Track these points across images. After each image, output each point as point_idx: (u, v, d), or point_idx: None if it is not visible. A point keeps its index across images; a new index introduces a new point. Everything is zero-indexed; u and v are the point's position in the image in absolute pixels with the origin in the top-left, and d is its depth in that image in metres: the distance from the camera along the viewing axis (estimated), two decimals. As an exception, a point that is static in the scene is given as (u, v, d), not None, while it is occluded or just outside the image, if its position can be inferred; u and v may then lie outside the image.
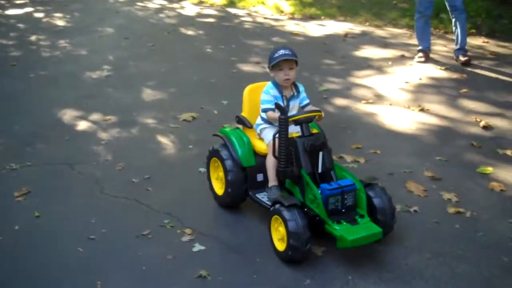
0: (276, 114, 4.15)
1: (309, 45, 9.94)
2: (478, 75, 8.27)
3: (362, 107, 7.08)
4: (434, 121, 6.69)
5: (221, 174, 4.50)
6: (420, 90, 7.73)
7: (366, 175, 4.32)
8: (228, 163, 4.37)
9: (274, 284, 3.87)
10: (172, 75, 8.46)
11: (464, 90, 7.66)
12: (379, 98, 7.44)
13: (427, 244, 4.33)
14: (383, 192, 4.07)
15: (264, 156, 4.33)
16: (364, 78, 8.19)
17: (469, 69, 8.40)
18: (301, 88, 4.51)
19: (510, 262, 4.11)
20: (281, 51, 4.26)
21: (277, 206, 3.92)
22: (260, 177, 4.43)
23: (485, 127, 6.49)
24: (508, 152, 5.88)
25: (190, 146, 6.03)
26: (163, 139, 6.22)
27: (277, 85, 4.36)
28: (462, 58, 8.38)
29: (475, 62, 8.63)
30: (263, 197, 4.35)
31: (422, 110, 6.99)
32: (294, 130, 4.21)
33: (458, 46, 8.49)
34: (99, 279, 3.86)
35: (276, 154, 4.10)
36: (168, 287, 3.83)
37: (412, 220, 4.65)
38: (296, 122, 4.07)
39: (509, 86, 7.85)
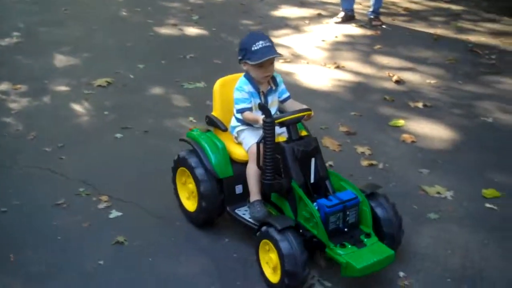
0: (256, 115, 3.56)
1: (227, 6, 9.85)
2: (391, 31, 8.46)
3: (279, 66, 7.09)
4: (349, 77, 6.82)
5: (192, 186, 3.83)
6: (336, 47, 7.84)
7: (366, 182, 3.81)
8: (199, 171, 3.68)
9: (195, 246, 3.87)
10: (86, 40, 8.18)
11: (378, 46, 7.83)
12: (296, 57, 7.49)
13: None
14: (385, 200, 3.50)
15: (243, 164, 3.67)
16: (282, 38, 8.21)
17: (383, 26, 8.56)
18: (279, 79, 3.81)
19: (419, 209, 4.28)
20: (261, 43, 3.52)
21: (265, 228, 3.29)
22: (239, 189, 3.75)
23: (398, 82, 6.68)
24: (419, 104, 6.09)
25: (106, 112, 5.89)
26: (76, 107, 6.04)
27: (251, 80, 3.66)
28: (373, 23, 8.53)
29: (389, 18, 8.83)
30: (244, 213, 3.69)
31: (338, 67, 7.11)
32: (278, 132, 3.56)
33: (371, 9, 8.62)
34: (11, 252, 3.74)
35: (261, 164, 3.43)
36: (84, 256, 3.76)
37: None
38: (283, 124, 3.42)
39: (421, 41, 8.09)
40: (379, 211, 3.40)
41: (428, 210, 4.25)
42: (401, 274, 3.57)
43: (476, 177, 4.70)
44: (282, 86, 3.84)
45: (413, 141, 5.33)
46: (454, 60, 7.38)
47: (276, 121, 3.34)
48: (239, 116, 3.72)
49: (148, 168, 4.79)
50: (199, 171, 3.69)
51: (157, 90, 6.45)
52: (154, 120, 5.69)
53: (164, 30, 8.59)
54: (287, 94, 3.86)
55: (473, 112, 5.99)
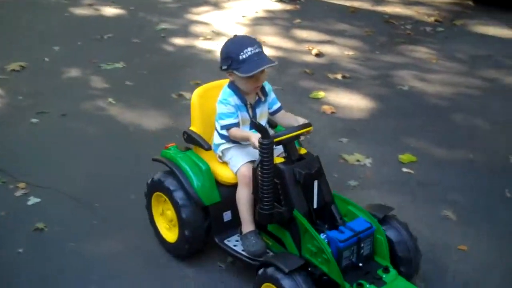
0: (246, 132, 3.11)
1: (144, -16, 9.63)
2: (310, 5, 8.55)
3: (200, 44, 7.05)
4: (270, 52, 6.84)
5: (170, 213, 3.36)
6: (257, 23, 7.86)
7: (373, 203, 3.31)
8: (179, 195, 3.19)
9: (117, 227, 3.82)
10: (-3, 23, 7.82)
11: (298, 20, 7.90)
12: (216, 34, 7.45)
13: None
14: (397, 221, 3.06)
15: (230, 187, 3.19)
16: (202, 15, 8.15)
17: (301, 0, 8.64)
18: (268, 87, 3.29)
19: (340, 177, 4.38)
20: (249, 50, 2.99)
21: (268, 270, 2.78)
22: (227, 216, 3.26)
23: (317, 55, 6.78)
24: (338, 76, 6.21)
25: (20, 97, 5.68)
26: (-11, 92, 5.79)
27: (237, 91, 3.14)
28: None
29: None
30: (235, 244, 3.21)
31: (258, 42, 7.10)
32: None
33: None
34: None
35: (254, 191, 3.00)
36: (2, 245, 3.63)
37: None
38: (279, 143, 2.91)
39: (338, 14, 8.23)
40: (392, 235, 2.95)
41: (348, 177, 4.35)
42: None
43: (393, 144, 4.85)
44: (272, 96, 3.31)
45: (333, 112, 5.43)
46: (371, 32, 7.54)
47: (274, 140, 2.81)
48: (223, 132, 3.21)
49: (66, 153, 4.66)
50: (179, 195, 3.19)
51: (73, 73, 6.27)
52: (72, 103, 5.54)
53: (80, 11, 8.34)
54: (278, 105, 3.33)
55: (389, 81, 6.16)
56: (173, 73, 6.24)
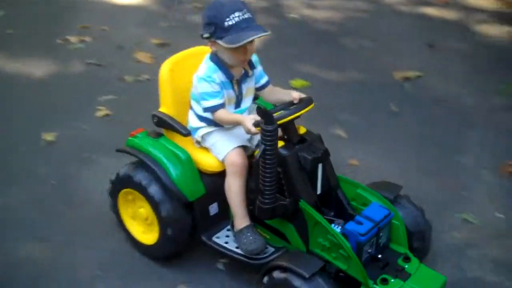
0: (237, 116, 2.68)
1: None
2: None
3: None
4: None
5: (144, 211, 2.92)
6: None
7: (380, 180, 3.01)
8: (155, 190, 2.77)
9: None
10: None
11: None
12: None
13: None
14: (408, 201, 2.80)
15: (215, 175, 2.80)
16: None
17: None
18: (255, 58, 2.86)
19: None
20: (237, 15, 2.55)
21: (280, 276, 2.44)
22: (213, 209, 2.86)
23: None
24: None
25: None
26: None
27: (221, 65, 2.70)
28: None
29: None
30: (226, 241, 2.84)
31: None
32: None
33: None
34: None
35: (253, 184, 2.60)
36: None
37: (143, 86, 4.75)
38: (281, 125, 2.50)
39: None
40: (405, 217, 2.66)
41: None
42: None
43: (285, 70, 5.01)
44: (259, 68, 2.90)
45: None
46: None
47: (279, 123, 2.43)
48: (206, 114, 2.77)
49: None
50: (154, 189, 2.76)
51: None
52: None
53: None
54: (265, 79, 2.92)
55: (279, 11, 6.27)
56: (58, 18, 5.96)
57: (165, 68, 2.87)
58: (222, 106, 2.69)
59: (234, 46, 2.53)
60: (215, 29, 2.56)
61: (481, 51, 5.40)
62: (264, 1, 6.49)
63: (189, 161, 2.77)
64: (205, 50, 2.82)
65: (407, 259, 2.53)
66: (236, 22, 2.52)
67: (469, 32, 5.78)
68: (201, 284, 2.92)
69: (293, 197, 2.54)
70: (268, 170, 2.40)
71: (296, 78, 4.84)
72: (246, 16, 2.55)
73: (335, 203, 2.68)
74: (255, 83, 2.88)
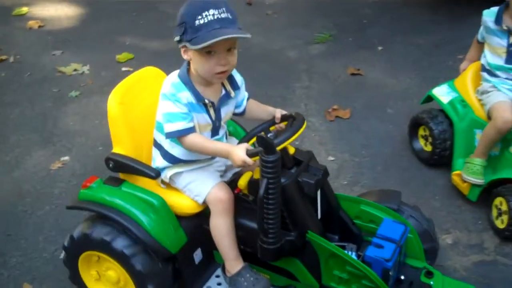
0: (223, 146, 2.24)
1: None
2: None
3: None
4: None
5: (113, 273, 2.46)
6: None
7: (376, 189, 2.93)
8: (121, 244, 2.32)
9: None
10: None
11: None
12: None
13: None
14: (409, 207, 2.60)
15: (192, 217, 2.42)
16: None
17: None
18: (239, 78, 2.39)
19: (61, 91, 4.43)
20: (211, 13, 2.07)
21: None
22: (198, 256, 2.48)
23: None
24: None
25: None
26: None
27: (189, 82, 2.22)
28: None
29: None
30: None
31: None
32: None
33: None
34: None
35: (260, 222, 2.21)
36: None
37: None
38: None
39: None
40: (412, 225, 2.48)
41: (69, 89, 4.35)
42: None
43: (109, 45, 5.06)
44: (242, 89, 2.42)
45: (40, 26, 5.21)
46: None
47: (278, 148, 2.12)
48: (174, 151, 2.36)
49: None
50: (122, 243, 2.33)
51: None
52: None
53: None
54: (245, 99, 2.47)
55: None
56: None
57: (113, 102, 2.38)
58: (191, 130, 2.21)
59: (198, 47, 2.05)
60: (185, 30, 2.10)
61: (296, 5, 5.64)
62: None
63: (164, 207, 2.33)
64: (153, 71, 2.51)
65: (429, 274, 2.32)
66: (208, 21, 2.05)
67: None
68: None
69: (298, 230, 2.24)
70: (272, 206, 2.10)
71: (122, 52, 4.74)
72: (223, 15, 2.07)
73: (338, 225, 2.39)
74: (236, 109, 2.43)
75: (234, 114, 2.45)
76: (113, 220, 2.30)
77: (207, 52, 2.09)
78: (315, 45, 4.90)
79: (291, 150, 2.26)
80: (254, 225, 2.25)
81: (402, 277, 2.30)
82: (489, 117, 3.06)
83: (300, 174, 2.20)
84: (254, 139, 2.30)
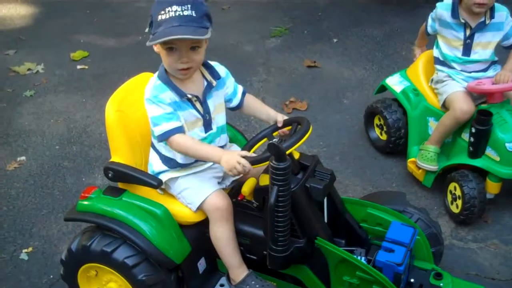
0: (212, 150, 2.22)
1: None
2: None
3: None
4: None
5: (115, 285, 2.42)
6: None
7: (379, 190, 2.92)
8: (123, 254, 2.28)
9: None
10: None
11: None
12: None
13: None
14: (415, 209, 2.56)
15: (195, 225, 2.36)
16: None
17: None
18: (223, 69, 2.38)
19: (15, 91, 4.35)
20: (174, 9, 2.04)
21: None
22: (202, 265, 2.44)
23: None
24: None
25: None
26: None
27: (170, 81, 2.20)
28: None
29: None
30: None
31: None
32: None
33: None
34: None
35: (271, 231, 2.17)
36: None
37: None
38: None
39: None
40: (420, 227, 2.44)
41: (23, 89, 4.31)
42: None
43: (63, 44, 4.83)
44: (230, 80, 2.40)
45: None
46: None
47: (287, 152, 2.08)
48: (168, 152, 2.32)
49: None
50: (124, 253, 2.28)
51: None
52: None
53: None
54: (240, 92, 2.44)
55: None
56: None
57: (111, 109, 2.33)
58: (178, 130, 2.18)
59: (152, 43, 2.06)
60: (150, 24, 2.10)
61: (254, 1, 5.66)
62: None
63: (167, 216, 2.28)
64: (149, 77, 2.37)
65: (438, 275, 2.30)
66: (170, 17, 2.03)
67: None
68: None
69: (307, 236, 2.21)
70: (281, 214, 2.07)
71: (77, 50, 4.68)
72: (185, 13, 2.03)
73: (344, 229, 2.35)
74: (229, 102, 2.40)
75: (230, 109, 2.41)
76: (115, 231, 2.26)
77: (169, 48, 2.09)
78: (271, 39, 4.93)
79: (296, 155, 2.21)
80: (259, 232, 2.26)
81: (412, 280, 2.28)
82: (444, 106, 3.15)
83: (307, 180, 2.15)
84: (257, 146, 2.29)
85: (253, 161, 2.11)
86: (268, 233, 2.16)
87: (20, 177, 3.42)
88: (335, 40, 4.88)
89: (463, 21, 3.10)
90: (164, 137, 2.18)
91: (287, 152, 2.06)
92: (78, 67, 4.53)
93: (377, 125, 3.62)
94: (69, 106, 4.07)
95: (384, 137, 3.56)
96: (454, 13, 3.12)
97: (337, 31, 5.04)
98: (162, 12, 2.04)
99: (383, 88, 3.62)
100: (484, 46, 3.11)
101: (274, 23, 5.15)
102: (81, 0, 5.59)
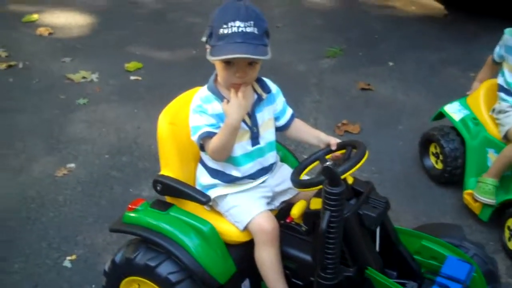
0: (223, 126, 2.16)
1: None
2: None
3: None
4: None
5: None
6: None
7: (433, 222, 2.83)
8: (166, 269, 2.23)
9: None
10: None
11: None
12: None
13: None
14: (471, 243, 2.41)
15: (241, 245, 2.30)
16: None
17: None
18: (274, 86, 2.36)
19: (68, 98, 4.39)
20: (237, 25, 2.03)
21: None
22: (246, 286, 2.39)
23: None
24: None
25: None
26: None
27: (218, 92, 2.20)
28: None
29: None
30: None
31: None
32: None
33: None
34: None
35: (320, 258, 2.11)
36: None
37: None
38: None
39: None
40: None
41: (76, 96, 4.36)
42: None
43: (118, 55, 4.92)
44: (280, 98, 2.36)
45: (50, 33, 5.25)
46: None
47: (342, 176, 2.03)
48: (212, 164, 2.29)
49: None
50: (167, 268, 2.23)
51: None
52: None
53: None
54: (289, 114, 2.39)
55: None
56: None
57: (164, 122, 2.31)
58: (212, 133, 2.15)
59: (212, 59, 2.08)
60: (210, 34, 2.09)
61: (307, 19, 5.62)
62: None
63: (213, 234, 2.23)
64: None
65: None
66: (231, 33, 2.02)
67: (298, 2, 6.00)
68: None
69: (358, 265, 2.12)
70: (332, 240, 2.00)
71: (131, 61, 4.72)
72: (248, 29, 2.02)
73: (397, 260, 2.25)
74: (276, 121, 2.34)
75: (277, 128, 2.36)
76: (160, 245, 2.22)
77: (227, 62, 2.08)
78: (325, 59, 4.87)
79: (350, 180, 2.14)
80: (307, 257, 2.20)
81: None
82: (505, 138, 3.01)
83: (360, 206, 2.07)
84: (309, 168, 2.23)
85: (306, 184, 2.06)
86: (317, 259, 2.09)
87: (68, 184, 3.42)
88: (390, 64, 4.79)
89: (528, 47, 2.98)
90: (199, 142, 2.17)
91: (342, 177, 1.99)
92: (132, 78, 4.56)
93: (432, 153, 3.50)
94: (120, 116, 4.09)
95: (439, 166, 3.43)
96: (520, 39, 3.00)
97: (393, 54, 4.94)
98: (225, 26, 2.02)
99: (441, 116, 3.50)
100: (552, 76, 2.98)
101: (329, 44, 5.09)
102: (138, 13, 5.66)
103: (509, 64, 3.09)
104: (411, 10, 5.72)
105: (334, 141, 2.27)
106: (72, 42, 5.06)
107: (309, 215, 2.12)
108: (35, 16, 5.47)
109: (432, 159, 3.50)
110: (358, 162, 2.06)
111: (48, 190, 3.38)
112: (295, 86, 4.43)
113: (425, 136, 3.52)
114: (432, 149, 3.49)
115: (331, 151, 2.27)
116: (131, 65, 4.68)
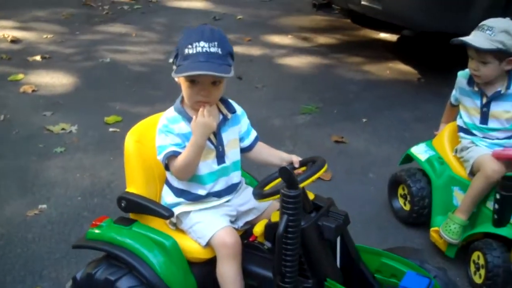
0: (189, 145, 2.23)
1: None
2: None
3: None
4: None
5: None
6: None
7: (397, 246, 2.75)
8: (126, 283, 2.24)
9: None
10: None
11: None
12: None
13: None
14: (430, 264, 2.44)
15: (203, 264, 2.32)
16: None
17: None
18: (238, 108, 2.44)
19: (46, 147, 4.45)
20: (201, 45, 2.14)
21: None
22: None
23: (13, 41, 6.57)
24: (37, 58, 6.20)
25: None
26: None
27: (186, 114, 2.28)
28: None
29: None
30: None
31: None
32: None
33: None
34: None
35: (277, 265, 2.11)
36: None
37: None
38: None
39: (33, 2, 7.93)
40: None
41: (54, 145, 4.44)
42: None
43: (99, 110, 5.02)
44: (245, 120, 2.44)
45: (34, 90, 5.43)
46: (69, 15, 7.56)
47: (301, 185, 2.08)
48: (179, 183, 2.33)
49: None
50: (128, 283, 2.22)
51: None
52: None
53: None
54: (254, 135, 2.47)
55: (92, 56, 6.37)
56: None
57: (130, 140, 2.39)
58: (176, 152, 2.21)
59: (177, 75, 2.18)
60: (176, 55, 2.21)
61: (285, 81, 5.80)
62: (75, 48, 6.50)
63: (176, 249, 2.25)
64: None
65: None
66: (196, 52, 2.12)
67: (274, 64, 6.18)
68: None
69: (317, 277, 2.14)
70: (290, 246, 2.01)
71: (111, 115, 4.82)
72: (212, 49, 2.13)
73: (357, 278, 2.27)
74: (241, 142, 2.41)
75: (241, 150, 2.42)
76: (122, 259, 2.24)
77: (192, 80, 2.18)
78: (300, 115, 4.99)
79: (311, 196, 2.21)
80: (268, 274, 2.20)
81: None
82: (471, 174, 3.07)
83: (320, 218, 2.12)
84: (270, 185, 2.26)
85: (266, 194, 2.10)
86: (275, 267, 2.09)
87: (38, 223, 3.42)
88: (364, 120, 4.91)
89: (477, 89, 3.10)
90: (164, 161, 2.23)
91: (302, 185, 2.04)
92: (110, 129, 4.64)
93: (401, 195, 3.54)
94: (96, 164, 4.13)
95: (407, 207, 3.47)
96: (470, 82, 3.13)
97: (367, 112, 5.07)
98: (190, 46, 2.13)
99: (409, 159, 3.59)
100: (501, 115, 3.08)
101: (305, 102, 5.22)
102: (122, 74, 5.82)
103: (464, 106, 3.21)
104: (386, 74, 5.91)
105: (296, 158, 2.38)
106: (55, 98, 5.18)
107: (269, 228, 2.17)
108: (20, 76, 5.66)
109: (401, 201, 3.55)
110: (317, 172, 2.15)
111: (18, 228, 3.38)
112: (270, 138, 4.45)
113: (393, 177, 3.59)
114: (400, 191, 3.55)
115: (294, 169, 2.34)
116: (111, 118, 4.77)
